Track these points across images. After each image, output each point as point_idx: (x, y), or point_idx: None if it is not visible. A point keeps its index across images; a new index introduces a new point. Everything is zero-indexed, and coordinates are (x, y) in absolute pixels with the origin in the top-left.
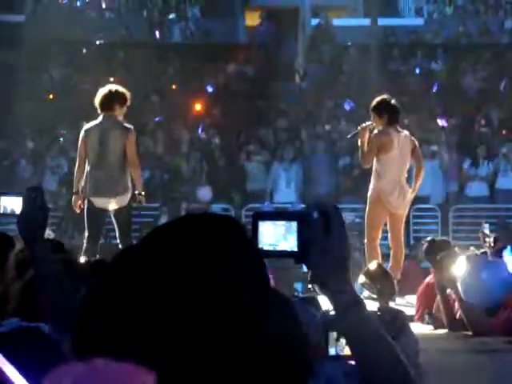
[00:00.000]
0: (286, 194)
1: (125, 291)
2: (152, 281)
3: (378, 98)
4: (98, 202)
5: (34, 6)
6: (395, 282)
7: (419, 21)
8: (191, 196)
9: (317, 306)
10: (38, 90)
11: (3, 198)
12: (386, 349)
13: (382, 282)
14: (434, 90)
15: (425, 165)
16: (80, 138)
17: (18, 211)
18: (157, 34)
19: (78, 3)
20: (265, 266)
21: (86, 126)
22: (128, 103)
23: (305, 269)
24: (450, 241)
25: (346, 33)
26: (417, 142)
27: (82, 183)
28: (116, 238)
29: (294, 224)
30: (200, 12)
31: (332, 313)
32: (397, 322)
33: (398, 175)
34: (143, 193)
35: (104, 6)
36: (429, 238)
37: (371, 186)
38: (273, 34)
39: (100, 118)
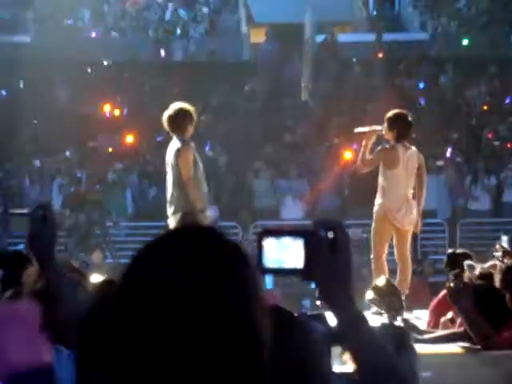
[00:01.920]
0: (293, 211)
1: (129, 310)
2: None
3: (395, 111)
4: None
5: (39, 26)
6: (403, 297)
7: (424, 35)
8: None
9: (324, 322)
10: (43, 110)
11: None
12: (387, 364)
13: (390, 298)
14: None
15: (429, 180)
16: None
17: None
18: (162, 53)
19: (81, 23)
20: (258, 284)
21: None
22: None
23: (313, 285)
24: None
25: (351, 48)
26: (423, 160)
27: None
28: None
29: (300, 241)
30: (205, 30)
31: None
32: (399, 338)
33: (404, 192)
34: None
35: (108, 25)
36: (450, 251)
37: (377, 202)
38: (278, 51)
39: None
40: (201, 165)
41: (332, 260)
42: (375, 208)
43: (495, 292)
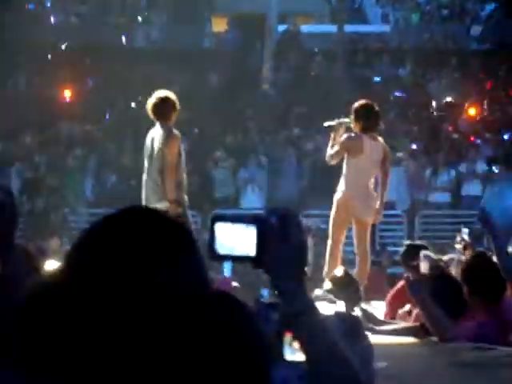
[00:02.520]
0: (253, 200)
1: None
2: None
3: (362, 102)
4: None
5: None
6: (361, 288)
7: (385, 27)
8: None
9: (276, 308)
10: (2, 95)
11: None
12: (336, 354)
13: (347, 288)
14: (397, 95)
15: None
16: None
17: None
18: (123, 39)
19: (43, 7)
20: (203, 266)
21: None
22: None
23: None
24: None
25: (313, 39)
26: (389, 152)
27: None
28: None
29: (253, 228)
30: (167, 18)
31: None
32: (352, 327)
33: (365, 181)
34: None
35: (69, 10)
36: (407, 242)
37: (338, 188)
38: (239, 41)
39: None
40: (183, 154)
41: (283, 248)
42: (336, 195)
43: (453, 283)
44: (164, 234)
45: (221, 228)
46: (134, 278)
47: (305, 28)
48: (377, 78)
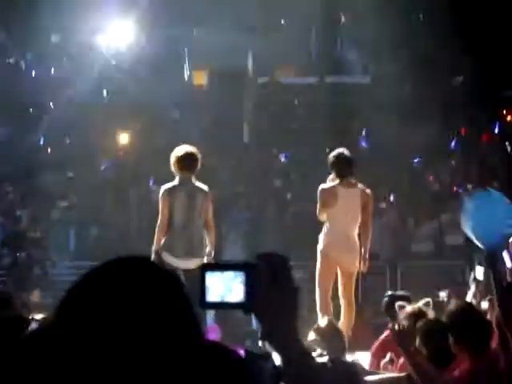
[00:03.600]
0: (234, 251)
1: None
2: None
3: (334, 151)
4: (181, 263)
5: None
6: (345, 338)
7: (366, 79)
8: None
9: (270, 360)
10: None
11: None
12: None
13: (332, 339)
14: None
15: (372, 222)
16: (162, 198)
17: None
18: (104, 93)
19: (24, 63)
20: (194, 315)
21: (167, 185)
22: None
23: (254, 322)
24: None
25: (294, 90)
26: (370, 198)
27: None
28: None
29: (241, 274)
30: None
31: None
32: (350, 372)
33: (344, 230)
34: (212, 254)
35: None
36: (389, 293)
37: (319, 239)
38: (219, 93)
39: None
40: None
41: (273, 294)
42: (318, 246)
43: (438, 332)
44: (154, 284)
45: (211, 276)
46: (125, 328)
47: (285, 79)
48: (357, 130)
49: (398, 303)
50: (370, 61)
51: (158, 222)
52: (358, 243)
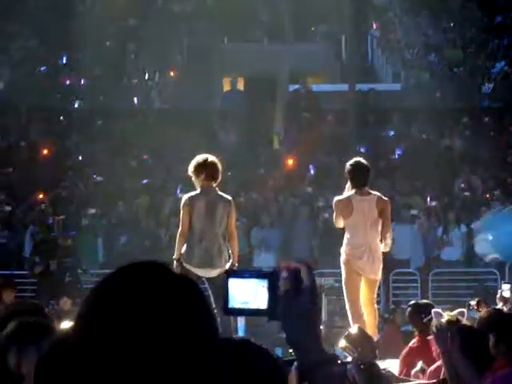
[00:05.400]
0: (266, 259)
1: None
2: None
3: (350, 161)
4: (200, 271)
5: (12, 73)
6: (376, 345)
7: (396, 86)
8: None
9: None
10: (16, 157)
11: None
12: None
13: (362, 346)
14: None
15: (402, 229)
16: (183, 206)
17: None
18: (135, 100)
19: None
20: (214, 322)
21: (189, 194)
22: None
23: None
24: (433, 304)
25: (324, 98)
26: (387, 204)
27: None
28: None
29: (265, 282)
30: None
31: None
32: (381, 377)
33: (363, 240)
34: (236, 264)
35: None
36: (412, 302)
37: (341, 250)
38: (250, 100)
39: (201, 188)
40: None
41: (295, 301)
42: (341, 256)
43: (478, 334)
44: (173, 288)
45: (234, 284)
46: (145, 333)
47: (316, 87)
48: (388, 137)
49: (434, 310)
50: (401, 68)
51: (179, 230)
52: (379, 252)
